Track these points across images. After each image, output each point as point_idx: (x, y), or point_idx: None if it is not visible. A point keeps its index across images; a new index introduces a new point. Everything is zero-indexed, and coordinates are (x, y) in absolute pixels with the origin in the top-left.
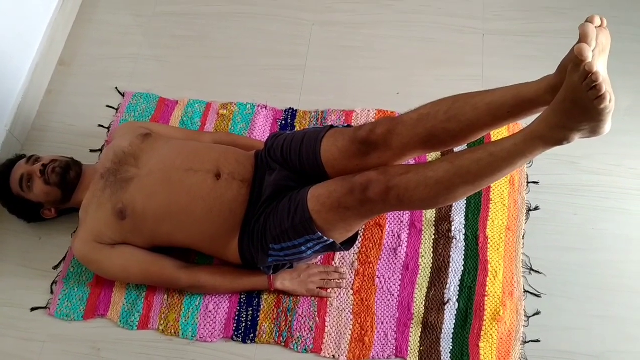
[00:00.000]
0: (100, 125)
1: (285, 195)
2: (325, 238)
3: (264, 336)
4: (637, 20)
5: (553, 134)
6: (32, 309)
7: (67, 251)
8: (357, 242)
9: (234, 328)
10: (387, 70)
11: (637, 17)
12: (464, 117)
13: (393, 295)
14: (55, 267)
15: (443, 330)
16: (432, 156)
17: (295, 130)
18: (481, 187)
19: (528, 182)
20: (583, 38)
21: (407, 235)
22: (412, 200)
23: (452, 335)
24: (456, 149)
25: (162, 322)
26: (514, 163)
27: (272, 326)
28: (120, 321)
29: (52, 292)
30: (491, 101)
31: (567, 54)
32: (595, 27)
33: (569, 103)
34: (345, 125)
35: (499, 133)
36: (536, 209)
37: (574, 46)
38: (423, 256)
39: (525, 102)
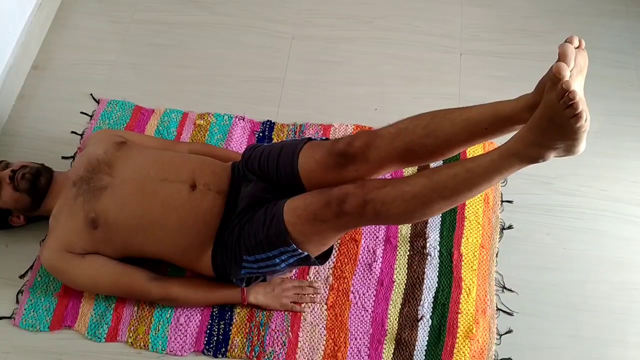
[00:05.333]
0: (73, 132)
1: (261, 207)
2: (300, 251)
3: (236, 350)
4: (607, 45)
5: (529, 152)
6: None
7: (34, 260)
8: (331, 256)
9: (205, 342)
10: (366, 86)
11: (607, 42)
12: (442, 132)
13: (367, 310)
14: (22, 276)
15: (416, 347)
16: (408, 171)
17: (273, 142)
18: (457, 202)
19: (502, 201)
20: (562, 57)
21: (382, 251)
22: (389, 214)
23: (425, 352)
24: (432, 165)
25: (131, 334)
26: (490, 179)
27: (244, 340)
28: (88, 333)
29: (17, 302)
30: (469, 117)
31: (546, 73)
32: (574, 47)
33: (546, 121)
34: (323, 138)
35: (474, 150)
36: (510, 227)
37: (553, 65)
38: (398, 272)
39: (502, 120)
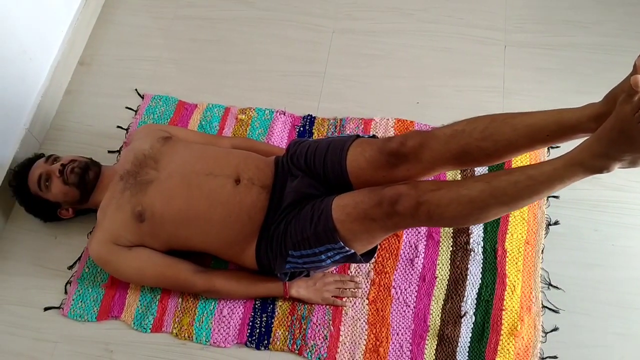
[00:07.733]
0: (118, 127)
1: (307, 203)
2: (347, 248)
3: (278, 343)
4: None
5: (595, 162)
6: (45, 309)
7: (82, 251)
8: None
9: (247, 334)
10: (407, 79)
11: None
12: (501, 137)
13: (409, 306)
14: (70, 267)
15: (459, 344)
16: (450, 174)
17: (314, 137)
18: (515, 209)
19: (548, 196)
20: (639, 70)
21: (424, 247)
22: (443, 217)
23: (468, 349)
24: (478, 170)
25: (175, 325)
26: (551, 187)
27: (286, 333)
28: (134, 323)
29: (66, 292)
30: (532, 123)
31: (618, 83)
32: None
33: (617, 133)
34: (370, 135)
35: (519, 159)
36: (556, 223)
37: (629, 76)
38: (440, 268)
39: (566, 128)
